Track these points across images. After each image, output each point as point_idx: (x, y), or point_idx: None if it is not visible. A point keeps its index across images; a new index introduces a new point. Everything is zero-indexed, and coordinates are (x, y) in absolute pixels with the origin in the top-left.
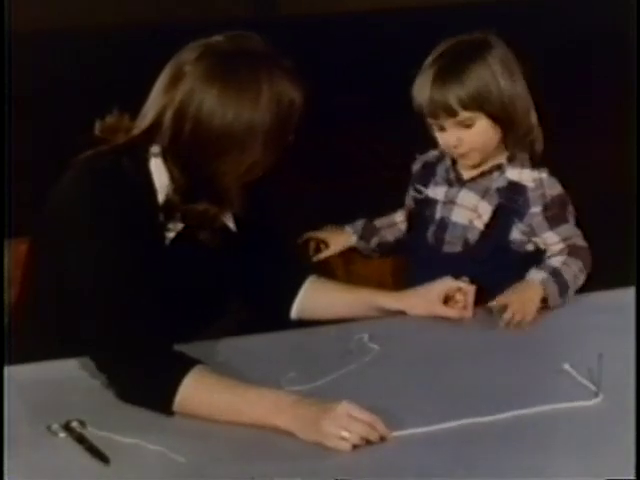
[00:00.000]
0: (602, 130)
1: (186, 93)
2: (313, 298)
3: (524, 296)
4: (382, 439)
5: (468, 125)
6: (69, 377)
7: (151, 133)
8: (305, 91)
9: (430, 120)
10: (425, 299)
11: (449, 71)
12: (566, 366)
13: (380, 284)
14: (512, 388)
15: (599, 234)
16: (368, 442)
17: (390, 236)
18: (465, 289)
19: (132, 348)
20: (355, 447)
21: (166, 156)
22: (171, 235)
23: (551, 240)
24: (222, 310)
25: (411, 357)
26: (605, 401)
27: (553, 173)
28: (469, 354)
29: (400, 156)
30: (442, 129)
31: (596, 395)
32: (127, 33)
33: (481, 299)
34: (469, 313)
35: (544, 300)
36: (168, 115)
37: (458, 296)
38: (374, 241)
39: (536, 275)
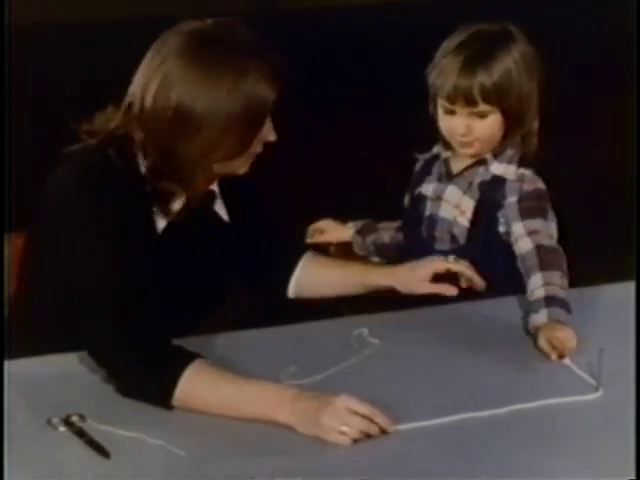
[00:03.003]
0: (602, 130)
1: (159, 63)
2: (309, 275)
3: (557, 338)
4: (383, 432)
5: (481, 116)
6: (69, 371)
7: (130, 112)
8: (281, 89)
9: (443, 102)
10: (415, 276)
11: (478, 58)
12: (566, 360)
13: None
14: (512, 382)
15: (599, 229)
16: (369, 436)
17: (387, 237)
18: (455, 269)
19: (131, 342)
20: (355, 441)
21: (138, 131)
22: (161, 225)
23: (518, 232)
24: (219, 298)
25: (411, 351)
26: (605, 395)
27: (554, 172)
28: (469, 348)
29: (400, 151)
30: (452, 113)
31: (596, 389)
32: (127, 27)
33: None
34: (481, 284)
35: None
36: (139, 87)
37: (454, 267)
38: (370, 239)
39: (541, 318)
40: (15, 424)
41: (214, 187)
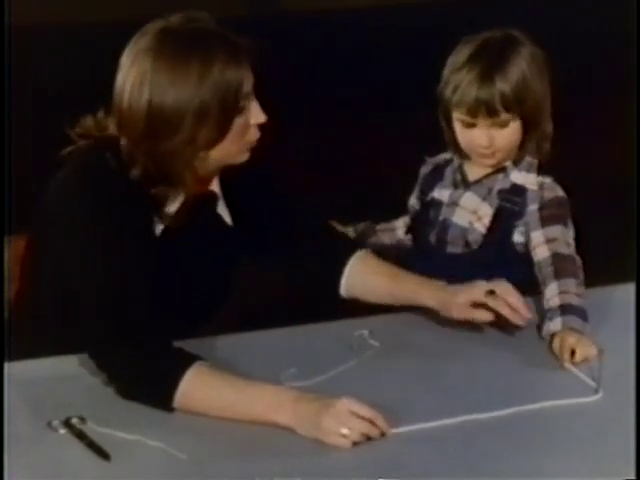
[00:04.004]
0: (602, 130)
1: (129, 65)
2: (360, 277)
3: (569, 342)
4: (382, 435)
5: (502, 126)
6: (69, 373)
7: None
8: (253, 68)
9: (463, 116)
10: (455, 301)
11: (494, 67)
12: (566, 363)
13: None
14: (512, 385)
15: (599, 230)
16: (369, 438)
17: (387, 239)
18: (491, 305)
19: (131, 344)
20: (355, 443)
21: (123, 136)
22: (160, 228)
23: (536, 240)
24: (221, 301)
25: (412, 354)
26: (605, 398)
27: (553, 172)
28: (469, 351)
29: (398, 151)
30: (472, 126)
31: (596, 392)
32: (127, 29)
33: None
34: (521, 318)
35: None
36: (117, 91)
37: (491, 304)
38: (370, 242)
39: (555, 326)
40: (15, 426)
41: (215, 188)
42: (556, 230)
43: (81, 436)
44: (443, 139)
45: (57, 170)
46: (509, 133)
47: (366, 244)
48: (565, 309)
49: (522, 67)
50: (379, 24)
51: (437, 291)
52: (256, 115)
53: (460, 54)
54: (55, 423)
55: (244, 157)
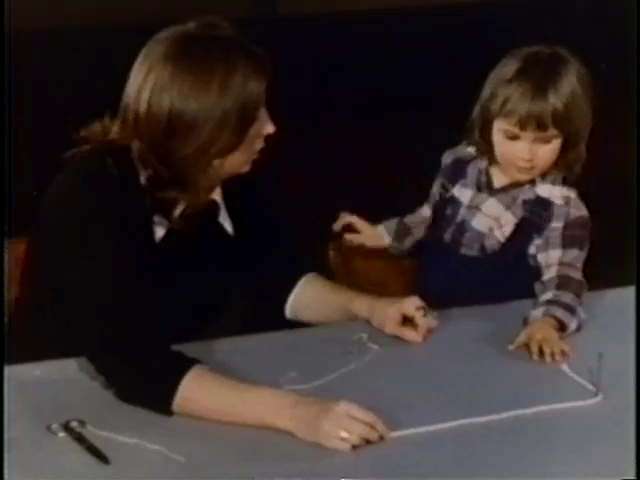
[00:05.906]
0: (603, 130)
1: (147, 72)
2: (305, 297)
3: (537, 330)
4: (381, 439)
5: (546, 141)
6: (69, 377)
7: (125, 124)
8: (270, 79)
9: (509, 127)
10: (387, 314)
11: (547, 82)
12: (564, 366)
13: (380, 284)
14: (511, 388)
15: (599, 233)
16: (368, 442)
17: (420, 233)
18: (418, 322)
19: (131, 348)
20: (354, 447)
21: (135, 140)
22: (160, 234)
23: (552, 260)
24: (220, 309)
25: (410, 357)
26: (604, 401)
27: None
28: (468, 354)
29: (399, 155)
30: (515, 138)
31: (595, 395)
32: (126, 32)
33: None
34: (419, 339)
35: (562, 328)
36: (132, 98)
37: (418, 320)
38: (408, 241)
39: (537, 312)
40: (15, 429)
41: (217, 198)
42: (572, 253)
43: (80, 440)
44: (446, 141)
45: (57, 173)
46: (551, 149)
47: (405, 244)
48: (552, 302)
49: (573, 84)
50: (379, 29)
51: (370, 302)
52: (267, 125)
53: (506, 68)
54: (54, 426)
55: (246, 168)
